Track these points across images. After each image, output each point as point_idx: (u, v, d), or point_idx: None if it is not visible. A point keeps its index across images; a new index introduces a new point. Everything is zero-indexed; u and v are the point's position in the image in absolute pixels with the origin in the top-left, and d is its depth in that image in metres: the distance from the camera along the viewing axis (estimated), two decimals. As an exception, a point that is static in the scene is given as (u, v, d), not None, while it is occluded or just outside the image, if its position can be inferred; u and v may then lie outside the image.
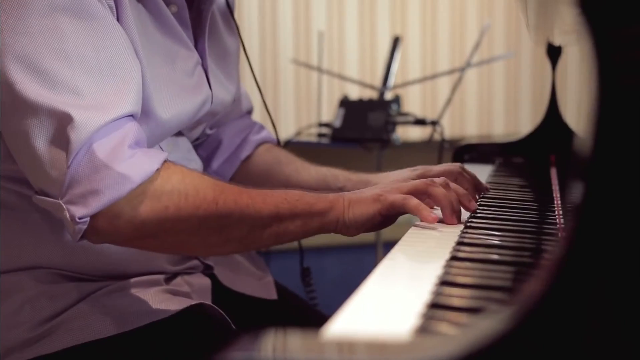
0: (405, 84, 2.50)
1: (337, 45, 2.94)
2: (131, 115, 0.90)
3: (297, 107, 2.91)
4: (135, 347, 0.95)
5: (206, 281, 1.11)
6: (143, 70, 0.96)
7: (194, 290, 1.06)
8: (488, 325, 0.45)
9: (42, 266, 0.99)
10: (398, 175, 1.15)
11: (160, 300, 0.99)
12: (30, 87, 0.84)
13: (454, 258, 0.78)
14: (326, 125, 2.22)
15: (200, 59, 1.11)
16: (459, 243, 0.85)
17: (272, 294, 1.23)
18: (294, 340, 0.50)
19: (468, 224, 0.95)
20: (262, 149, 1.33)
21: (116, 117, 0.86)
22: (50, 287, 0.98)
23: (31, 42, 0.85)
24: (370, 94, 2.37)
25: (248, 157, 1.31)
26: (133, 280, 1.01)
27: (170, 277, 1.07)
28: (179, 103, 1.04)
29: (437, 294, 0.65)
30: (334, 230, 0.93)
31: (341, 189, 1.20)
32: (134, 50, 0.95)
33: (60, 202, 0.84)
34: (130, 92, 0.89)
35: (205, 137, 1.31)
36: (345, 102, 2.16)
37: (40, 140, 0.84)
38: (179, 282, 1.06)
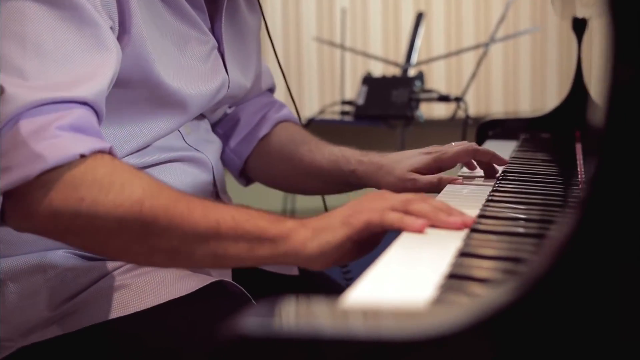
0: (429, 60, 2.48)
1: (361, 22, 2.92)
2: (84, 103, 0.83)
3: (321, 85, 2.90)
4: (154, 325, 0.95)
5: (227, 257, 1.10)
6: (153, 56, 0.95)
7: (214, 266, 1.06)
8: (494, 296, 0.44)
9: (61, 247, 0.99)
10: (412, 161, 1.12)
11: (179, 277, 0.99)
12: None
13: (474, 230, 0.77)
14: (349, 103, 2.21)
15: (216, 43, 1.10)
16: (481, 216, 0.84)
17: (294, 270, 1.23)
18: (307, 307, 0.50)
19: (490, 198, 0.94)
20: (279, 128, 1.30)
21: (56, 99, 0.81)
22: (69, 267, 0.98)
23: None
24: (393, 71, 2.35)
25: (266, 136, 1.29)
26: (152, 257, 1.01)
27: (190, 253, 1.06)
28: (193, 89, 1.03)
29: (456, 265, 0.64)
30: (294, 262, 0.79)
31: (353, 172, 1.17)
32: (141, 41, 0.93)
33: None
34: (86, 81, 0.84)
35: (224, 115, 1.30)
36: (368, 80, 2.15)
37: None
38: (198, 259, 1.06)
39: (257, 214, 0.80)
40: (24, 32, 0.83)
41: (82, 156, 0.79)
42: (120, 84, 0.93)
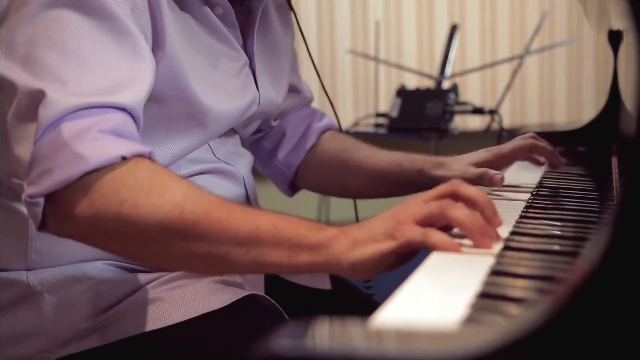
0: (464, 73, 2.47)
1: (395, 34, 2.92)
2: (123, 109, 0.84)
3: (355, 98, 2.90)
4: (188, 338, 0.96)
5: (259, 271, 1.11)
6: (187, 72, 0.96)
7: (246, 280, 1.06)
8: (527, 316, 0.44)
9: (102, 258, 1.00)
10: (472, 157, 1.18)
11: (213, 290, 0.99)
12: (20, 74, 0.82)
13: (507, 248, 0.76)
14: (383, 115, 2.21)
15: (248, 60, 1.11)
16: (513, 233, 0.83)
17: (326, 284, 1.23)
18: (340, 327, 0.50)
19: (523, 214, 0.93)
20: (326, 136, 1.34)
21: (97, 103, 0.81)
22: (104, 279, 0.99)
23: (32, 29, 0.84)
24: (427, 84, 2.35)
25: (314, 146, 1.33)
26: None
27: (224, 267, 1.07)
28: (225, 105, 1.04)
29: (488, 284, 0.64)
30: (334, 271, 0.77)
31: (421, 171, 1.21)
32: (176, 56, 0.95)
33: (24, 182, 0.80)
34: (125, 87, 0.85)
35: (269, 129, 1.33)
36: (402, 92, 2.15)
37: (14, 119, 0.82)
38: (231, 273, 1.07)
39: (297, 220, 0.79)
40: (64, 40, 0.84)
41: (124, 158, 0.79)
42: (155, 98, 0.94)
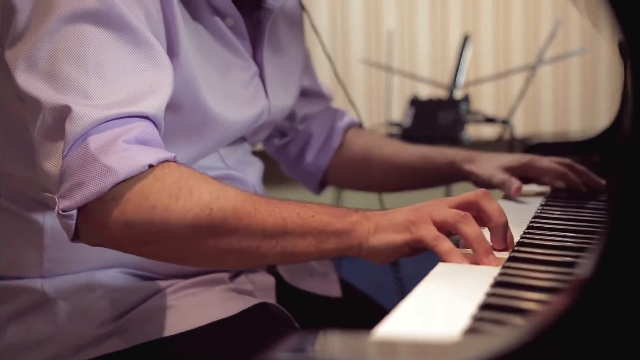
0: (477, 82, 2.48)
1: (408, 44, 2.93)
2: (145, 117, 0.87)
3: (369, 107, 2.92)
4: (199, 345, 0.97)
5: (270, 279, 1.12)
6: (199, 81, 0.98)
7: (257, 288, 1.08)
8: (509, 337, 0.45)
9: (115, 266, 1.02)
10: (503, 159, 1.21)
11: (224, 298, 1.01)
12: (42, 89, 0.84)
13: (512, 259, 0.77)
14: (396, 124, 2.23)
15: (258, 70, 1.13)
16: (520, 243, 0.84)
17: (337, 292, 1.24)
18: (336, 341, 0.51)
19: (531, 224, 0.94)
20: (351, 135, 1.38)
21: (120, 114, 0.84)
22: (117, 286, 1.01)
23: (52, 44, 0.85)
24: (440, 93, 2.36)
25: (341, 145, 1.37)
26: (198, 278, 1.03)
27: (235, 275, 1.09)
28: (235, 114, 1.06)
29: (491, 295, 0.65)
30: (357, 254, 0.83)
31: (452, 163, 1.25)
32: (189, 65, 0.97)
33: (56, 196, 0.82)
34: (147, 96, 0.87)
35: (296, 133, 1.37)
36: (414, 102, 2.17)
37: (41, 135, 0.84)
38: (242, 281, 1.08)
39: (320, 209, 0.84)
40: (85, 54, 0.85)
41: (150, 166, 0.82)
42: (169, 106, 0.96)
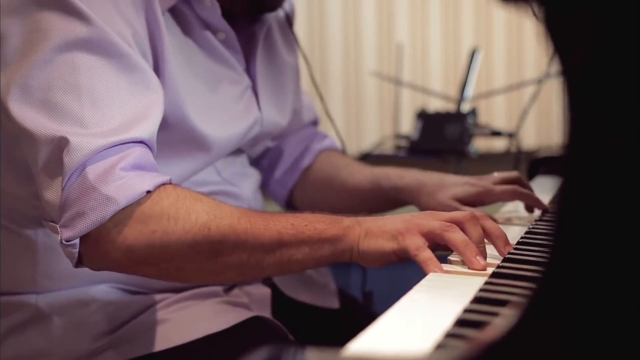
0: (487, 95, 2.48)
1: (420, 57, 2.93)
2: (140, 142, 0.89)
3: (380, 119, 2.92)
4: (193, 359, 0.98)
5: (266, 291, 1.13)
6: (183, 97, 0.99)
7: (252, 300, 1.08)
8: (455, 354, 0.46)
9: (106, 281, 1.03)
10: (457, 190, 1.14)
11: (218, 312, 1.02)
12: (38, 120, 0.86)
13: (495, 275, 0.78)
14: (404, 137, 2.23)
15: (250, 83, 1.14)
16: (505, 259, 0.84)
17: (334, 303, 1.24)
18: (311, 356, 0.51)
19: (520, 240, 0.94)
20: (322, 157, 1.35)
21: (116, 142, 0.86)
22: (111, 301, 1.02)
23: (46, 74, 0.87)
24: (451, 106, 2.36)
25: (309, 166, 1.34)
26: (192, 291, 1.04)
27: (230, 287, 1.09)
28: (222, 130, 1.07)
29: (468, 311, 0.65)
30: (350, 259, 0.87)
31: (394, 188, 1.21)
32: (174, 83, 0.98)
33: (58, 225, 0.85)
34: (140, 121, 0.89)
35: (266, 149, 1.35)
36: (422, 115, 2.17)
37: (40, 166, 0.86)
38: (237, 293, 1.08)
39: (313, 217, 0.88)
40: (78, 83, 0.87)
41: (148, 192, 0.85)
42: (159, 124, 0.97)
